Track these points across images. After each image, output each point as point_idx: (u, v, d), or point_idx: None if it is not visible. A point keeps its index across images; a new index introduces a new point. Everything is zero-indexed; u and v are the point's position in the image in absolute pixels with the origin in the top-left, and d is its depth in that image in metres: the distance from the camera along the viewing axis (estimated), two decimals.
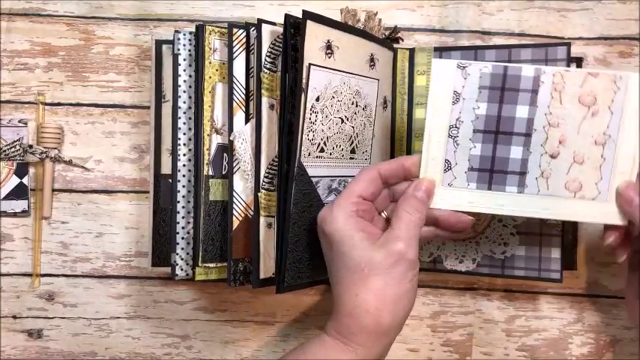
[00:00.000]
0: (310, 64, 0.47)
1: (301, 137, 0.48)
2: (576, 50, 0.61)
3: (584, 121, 0.46)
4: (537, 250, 0.56)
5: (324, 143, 0.50)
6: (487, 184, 0.47)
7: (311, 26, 0.47)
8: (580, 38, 0.61)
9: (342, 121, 0.52)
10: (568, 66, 0.56)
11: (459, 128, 0.47)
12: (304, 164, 0.49)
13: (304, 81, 0.47)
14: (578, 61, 0.60)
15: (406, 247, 0.44)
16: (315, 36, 0.48)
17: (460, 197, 0.48)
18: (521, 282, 0.61)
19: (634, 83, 0.45)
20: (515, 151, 0.47)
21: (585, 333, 0.61)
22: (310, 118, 0.48)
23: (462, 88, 0.46)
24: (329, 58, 0.49)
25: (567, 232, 0.57)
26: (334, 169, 0.52)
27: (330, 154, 0.51)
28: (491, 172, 0.47)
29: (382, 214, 0.50)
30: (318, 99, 0.49)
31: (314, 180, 0.50)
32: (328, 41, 0.49)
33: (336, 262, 0.46)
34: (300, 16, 0.47)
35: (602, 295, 0.61)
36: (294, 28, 0.48)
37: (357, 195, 0.46)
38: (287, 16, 0.48)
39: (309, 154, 0.49)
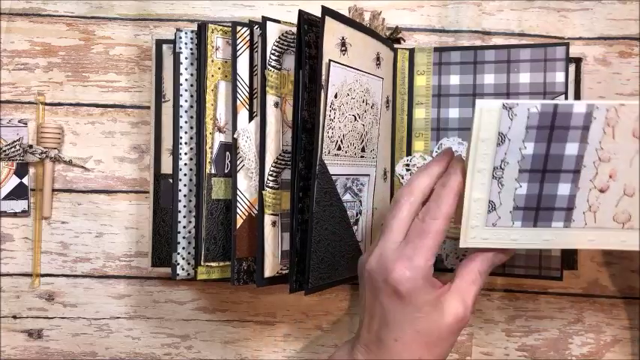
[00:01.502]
0: (330, 60, 0.48)
1: (322, 134, 0.48)
2: (576, 50, 0.61)
3: (636, 155, 0.44)
4: (538, 249, 0.56)
5: (341, 141, 0.50)
6: (533, 221, 0.45)
7: (329, 22, 0.47)
8: (580, 38, 0.61)
9: (355, 118, 0.52)
10: (567, 66, 0.56)
11: (503, 169, 0.44)
12: (325, 162, 0.49)
13: (324, 77, 0.47)
14: (578, 61, 0.60)
15: (467, 311, 0.45)
16: (332, 33, 0.48)
17: (504, 236, 0.46)
18: (521, 282, 0.61)
19: None
20: (563, 188, 0.44)
21: (585, 333, 0.61)
22: (330, 116, 0.48)
23: (508, 130, 0.43)
24: (343, 55, 0.49)
25: None
26: (349, 168, 0.52)
27: (346, 152, 0.51)
28: (537, 210, 0.45)
29: None
30: (336, 96, 0.49)
31: (333, 178, 0.50)
32: (343, 38, 0.49)
33: (402, 319, 0.45)
34: (310, 14, 0.48)
35: (602, 295, 0.61)
36: (307, 25, 0.48)
37: (433, 254, 0.45)
38: (301, 12, 0.48)
39: (329, 152, 0.49)
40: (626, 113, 0.43)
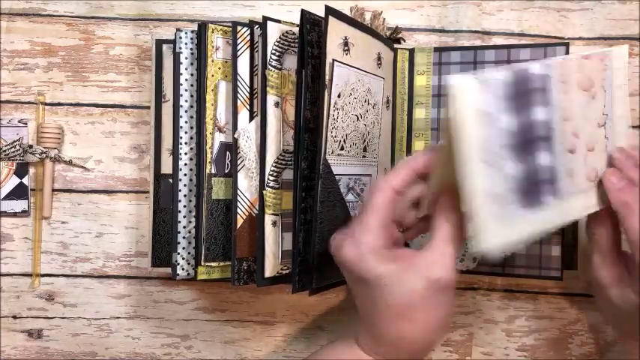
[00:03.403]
0: (334, 60, 0.48)
1: (326, 134, 0.48)
2: (576, 50, 0.61)
3: (587, 107, 0.44)
4: (538, 249, 0.56)
5: (344, 141, 0.50)
6: (528, 203, 0.42)
7: (332, 22, 0.47)
8: (580, 38, 0.61)
9: (357, 118, 0.52)
10: None
11: (491, 150, 0.40)
12: (329, 162, 0.49)
13: (327, 77, 0.47)
14: None
15: (445, 272, 0.42)
16: (335, 32, 0.48)
17: (517, 227, 0.41)
18: (521, 282, 0.61)
19: (617, 57, 0.46)
20: (544, 158, 0.42)
21: (585, 333, 0.61)
22: (333, 115, 0.48)
23: (485, 104, 0.40)
24: (346, 54, 0.49)
25: (567, 231, 0.57)
26: (351, 168, 0.52)
27: (348, 152, 0.51)
28: (528, 189, 0.42)
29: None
30: (339, 95, 0.49)
31: (336, 178, 0.50)
32: (345, 38, 0.49)
33: (371, 297, 0.43)
34: (312, 14, 0.48)
35: None
36: (310, 24, 0.48)
37: (379, 227, 0.43)
38: (303, 12, 0.48)
39: (332, 152, 0.49)
40: (571, 67, 0.44)
